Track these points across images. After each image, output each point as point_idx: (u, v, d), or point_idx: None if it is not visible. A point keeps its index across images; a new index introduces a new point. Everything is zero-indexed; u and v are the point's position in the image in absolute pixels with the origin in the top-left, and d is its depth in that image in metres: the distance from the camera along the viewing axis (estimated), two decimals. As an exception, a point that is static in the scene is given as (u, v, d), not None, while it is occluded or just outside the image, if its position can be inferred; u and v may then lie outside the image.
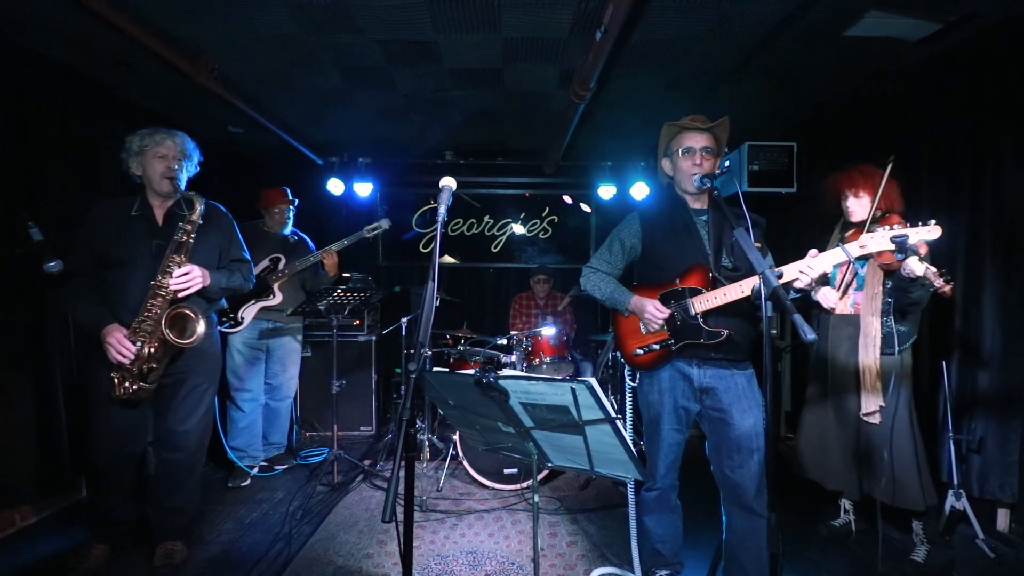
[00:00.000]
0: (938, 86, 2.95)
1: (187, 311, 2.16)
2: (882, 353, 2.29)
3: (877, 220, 2.24)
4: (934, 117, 3.02)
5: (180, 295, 2.14)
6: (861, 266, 2.38)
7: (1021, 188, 2.50)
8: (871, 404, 2.30)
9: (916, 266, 2.01)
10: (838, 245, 2.02)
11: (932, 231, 1.66)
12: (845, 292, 2.43)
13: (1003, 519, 2.60)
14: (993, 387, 2.61)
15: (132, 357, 2.06)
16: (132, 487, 2.35)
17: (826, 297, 2.40)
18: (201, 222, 2.22)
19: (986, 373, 2.63)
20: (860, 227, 2.29)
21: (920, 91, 3.06)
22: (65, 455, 2.81)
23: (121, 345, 2.05)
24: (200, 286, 2.19)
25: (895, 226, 2.02)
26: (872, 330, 2.31)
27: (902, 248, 1.66)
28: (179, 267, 2.12)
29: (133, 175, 2.26)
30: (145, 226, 2.22)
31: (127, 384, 2.09)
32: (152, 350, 2.09)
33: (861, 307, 2.36)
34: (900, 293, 2.22)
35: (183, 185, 2.28)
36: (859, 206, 2.38)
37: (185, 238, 2.17)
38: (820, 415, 2.56)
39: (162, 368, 2.15)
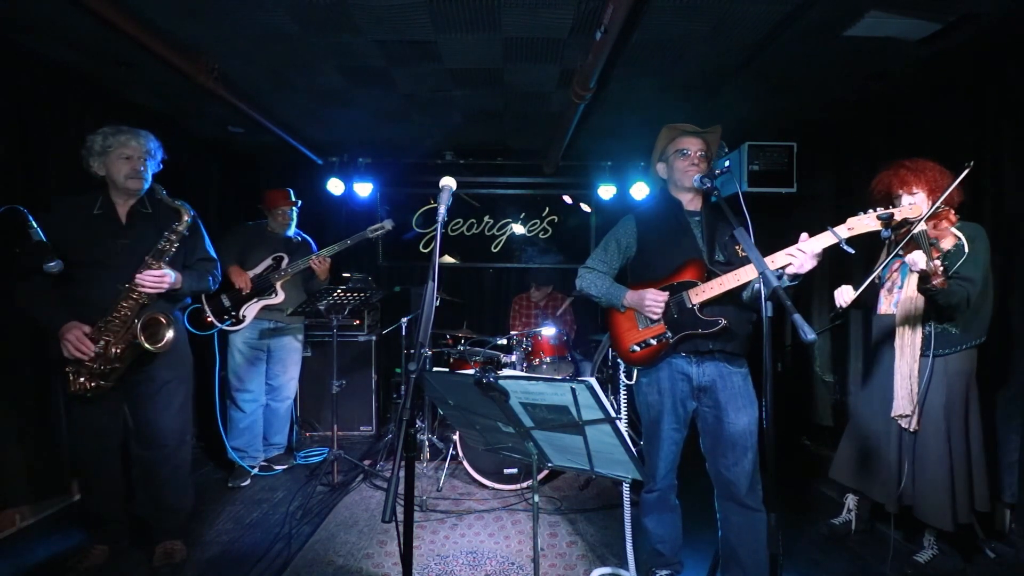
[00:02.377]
0: (938, 86, 2.94)
1: (160, 317, 2.19)
2: (922, 355, 2.20)
3: (931, 216, 2.14)
4: (935, 117, 3.02)
5: (145, 291, 2.14)
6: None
7: (1021, 187, 2.49)
8: (902, 407, 2.23)
9: (919, 258, 1.97)
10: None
11: (912, 210, 1.76)
12: (891, 291, 2.37)
13: (1004, 520, 2.60)
14: (993, 388, 2.60)
15: (91, 355, 2.06)
16: (117, 486, 2.33)
17: (841, 293, 2.32)
18: (188, 233, 2.30)
19: (986, 373, 2.62)
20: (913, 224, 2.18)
21: (921, 91, 3.06)
22: (64, 455, 2.81)
23: (80, 342, 2.04)
24: (167, 287, 2.20)
25: (943, 222, 2.08)
26: (908, 330, 2.23)
27: (888, 224, 1.67)
28: (153, 270, 2.16)
29: (94, 174, 2.25)
30: (109, 225, 2.22)
31: (82, 380, 2.08)
32: (119, 351, 2.10)
33: (899, 307, 2.29)
34: (927, 299, 2.14)
35: (148, 183, 2.28)
36: (914, 203, 2.22)
37: (168, 247, 2.22)
38: (862, 419, 2.48)
39: (124, 368, 2.14)
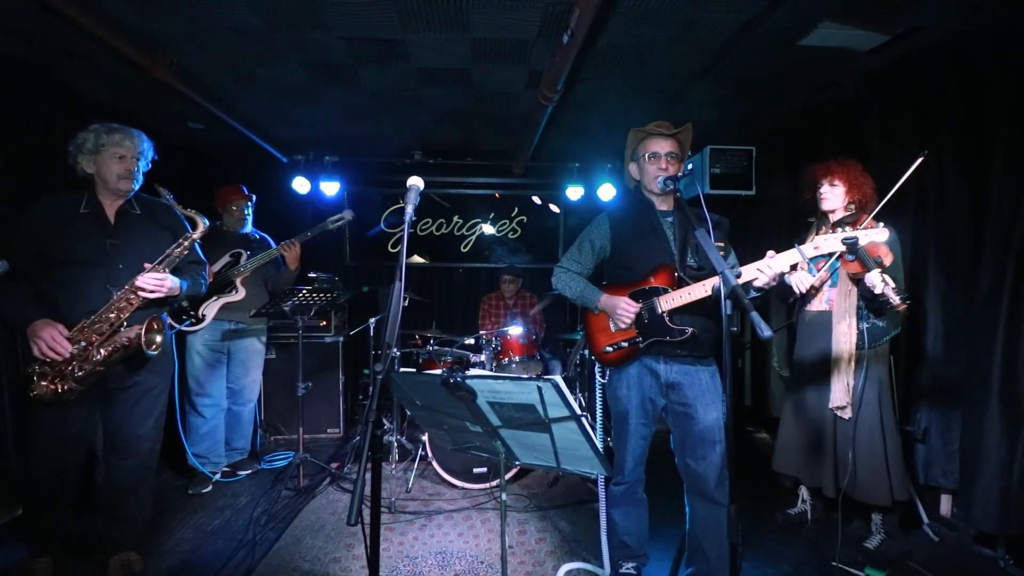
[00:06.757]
0: (887, 96, 3.09)
1: (154, 322, 2.12)
2: (857, 348, 2.33)
3: (848, 222, 2.30)
4: (883, 125, 3.16)
5: (144, 294, 2.08)
6: (838, 264, 2.39)
7: (961, 195, 2.64)
8: (840, 399, 2.36)
9: (876, 280, 2.09)
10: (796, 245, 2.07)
11: (880, 232, 1.74)
12: (820, 289, 2.48)
13: (946, 504, 2.75)
14: (936, 381, 2.75)
15: (66, 355, 1.96)
16: (72, 500, 2.21)
17: (800, 280, 2.39)
18: (200, 240, 2.28)
19: (929, 368, 2.78)
20: (835, 225, 2.35)
21: (870, 100, 3.20)
22: (12, 465, 2.66)
23: (55, 342, 1.94)
24: (166, 292, 2.13)
25: (858, 227, 2.11)
26: (844, 327, 2.36)
27: (852, 249, 1.73)
28: (155, 273, 2.10)
29: (81, 171, 2.17)
30: (97, 224, 2.15)
31: (46, 383, 1.96)
32: (106, 353, 2.02)
33: (834, 305, 2.41)
34: (867, 302, 2.31)
35: (140, 184, 2.23)
36: (832, 194, 2.43)
37: (179, 252, 2.18)
38: (798, 411, 2.60)
39: (103, 372, 2.05)
